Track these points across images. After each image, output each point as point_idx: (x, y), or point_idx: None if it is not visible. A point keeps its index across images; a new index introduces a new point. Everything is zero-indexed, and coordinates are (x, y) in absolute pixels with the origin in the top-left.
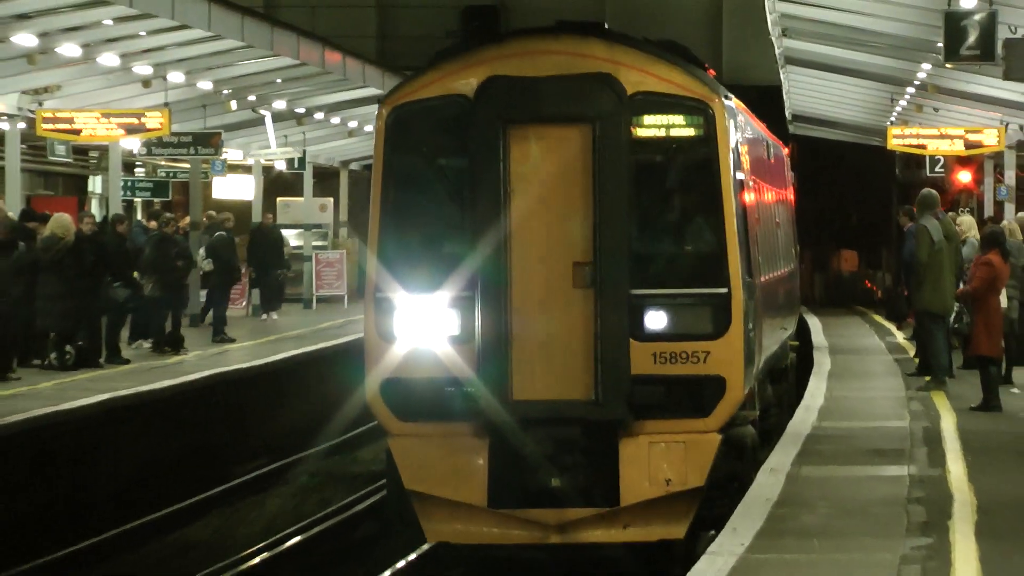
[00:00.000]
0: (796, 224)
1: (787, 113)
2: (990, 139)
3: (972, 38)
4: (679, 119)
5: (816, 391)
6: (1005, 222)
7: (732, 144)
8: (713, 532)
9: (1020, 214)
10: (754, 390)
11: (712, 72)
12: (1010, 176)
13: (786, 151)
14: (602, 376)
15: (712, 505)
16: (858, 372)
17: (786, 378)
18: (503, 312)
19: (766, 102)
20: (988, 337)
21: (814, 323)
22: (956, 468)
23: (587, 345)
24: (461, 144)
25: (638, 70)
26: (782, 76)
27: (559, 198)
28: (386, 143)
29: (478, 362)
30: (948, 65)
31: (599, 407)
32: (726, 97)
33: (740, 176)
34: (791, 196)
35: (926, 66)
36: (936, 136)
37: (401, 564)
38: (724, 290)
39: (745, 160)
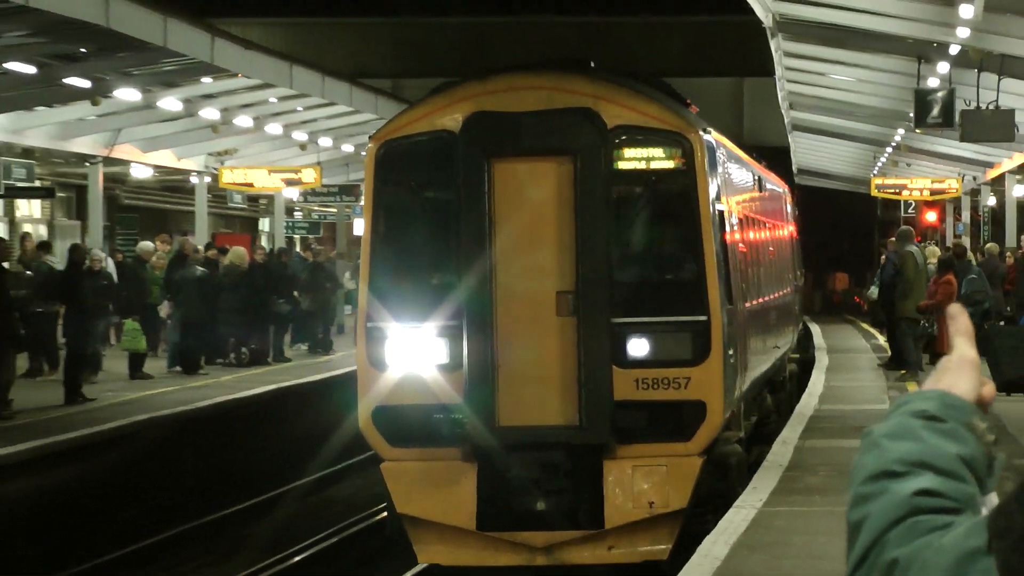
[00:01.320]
0: (800, 252)
1: (794, 167)
2: (951, 187)
3: (936, 110)
4: (658, 151)
5: (817, 381)
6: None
7: (711, 176)
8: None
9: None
10: (739, 411)
11: (695, 109)
12: (966, 216)
13: (786, 188)
14: (585, 402)
15: (698, 522)
16: (849, 367)
17: (784, 388)
18: (488, 340)
19: (778, 159)
20: (945, 340)
21: (815, 329)
22: None
23: (570, 372)
24: (448, 178)
25: (619, 104)
26: (790, 139)
27: (542, 229)
28: (376, 177)
29: (465, 389)
30: (917, 130)
31: (583, 432)
32: (705, 131)
33: (721, 207)
34: (792, 228)
35: (900, 131)
36: (908, 185)
37: None
38: (704, 317)
39: (728, 192)
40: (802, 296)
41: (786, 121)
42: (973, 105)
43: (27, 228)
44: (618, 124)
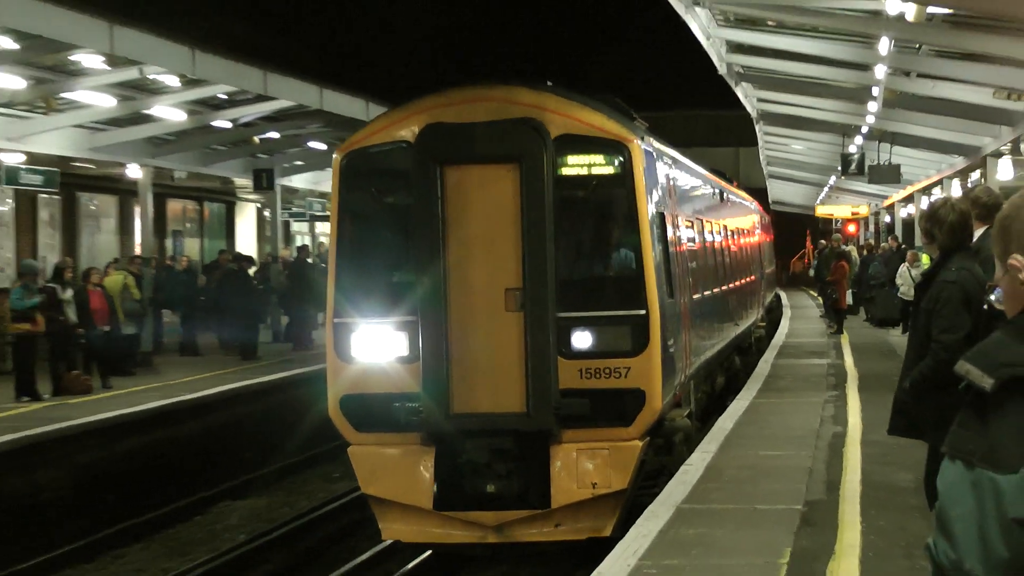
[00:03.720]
0: (772, 250)
1: (770, 199)
2: (863, 211)
3: (853, 165)
4: (598, 158)
5: (784, 326)
6: (857, 247)
7: (651, 180)
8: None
9: (874, 241)
10: (689, 389)
11: (646, 124)
12: (872, 228)
13: (757, 205)
14: (532, 391)
15: (646, 495)
16: (803, 316)
17: (751, 350)
18: (443, 334)
19: (760, 194)
20: (843, 300)
21: (783, 295)
22: (848, 360)
23: (519, 363)
24: (405, 184)
25: (562, 114)
26: (767, 183)
27: (492, 231)
28: (340, 185)
29: (421, 379)
30: (843, 177)
31: (529, 419)
32: (642, 139)
33: (662, 209)
34: (763, 233)
35: (833, 178)
36: (838, 209)
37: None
38: (642, 312)
39: (673, 196)
40: (773, 278)
41: (764, 172)
42: (876, 162)
43: (322, 239)
44: (561, 133)
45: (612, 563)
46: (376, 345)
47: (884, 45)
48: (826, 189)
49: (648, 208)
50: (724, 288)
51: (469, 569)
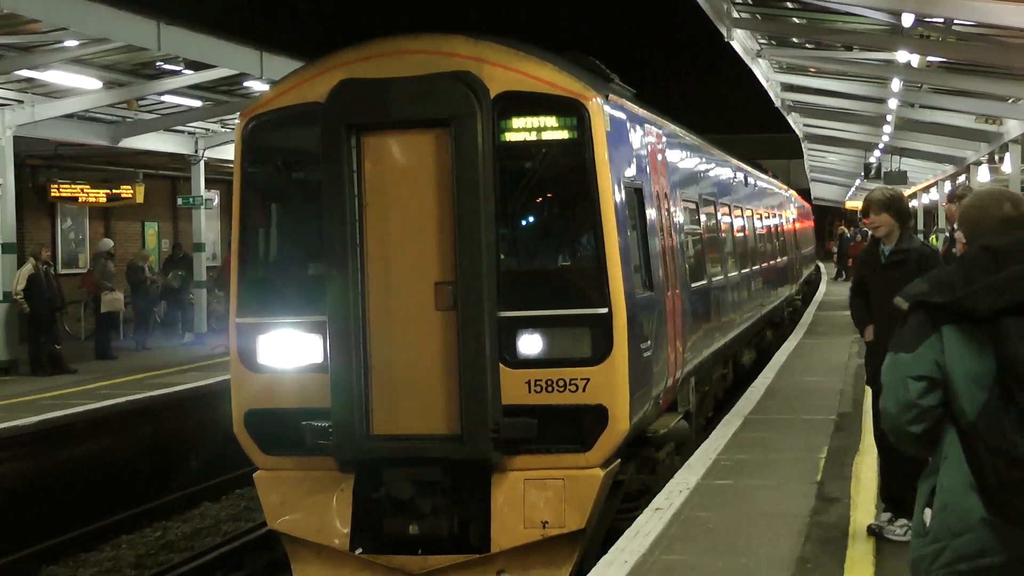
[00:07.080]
0: (814, 234)
1: (812, 197)
2: None
3: (873, 171)
4: (550, 120)
5: (823, 288)
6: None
7: (619, 149)
8: None
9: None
10: (688, 387)
11: (633, 91)
12: None
13: (794, 194)
14: (466, 409)
15: (624, 519)
16: (836, 281)
17: (783, 324)
18: (358, 337)
19: (805, 194)
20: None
21: (822, 266)
22: None
23: (452, 373)
24: (318, 156)
25: (504, 67)
26: (810, 184)
27: (418, 212)
28: (243, 156)
29: (331, 392)
30: (865, 180)
31: (461, 444)
32: (606, 98)
33: (638, 185)
34: (801, 218)
35: (857, 181)
36: (861, 203)
37: None
38: (604, 310)
39: (657, 170)
40: (811, 256)
41: (808, 177)
42: (889, 169)
43: None
44: (503, 90)
45: (698, 457)
46: (286, 350)
47: (895, 84)
48: (853, 188)
49: (613, 182)
50: (746, 271)
51: None
